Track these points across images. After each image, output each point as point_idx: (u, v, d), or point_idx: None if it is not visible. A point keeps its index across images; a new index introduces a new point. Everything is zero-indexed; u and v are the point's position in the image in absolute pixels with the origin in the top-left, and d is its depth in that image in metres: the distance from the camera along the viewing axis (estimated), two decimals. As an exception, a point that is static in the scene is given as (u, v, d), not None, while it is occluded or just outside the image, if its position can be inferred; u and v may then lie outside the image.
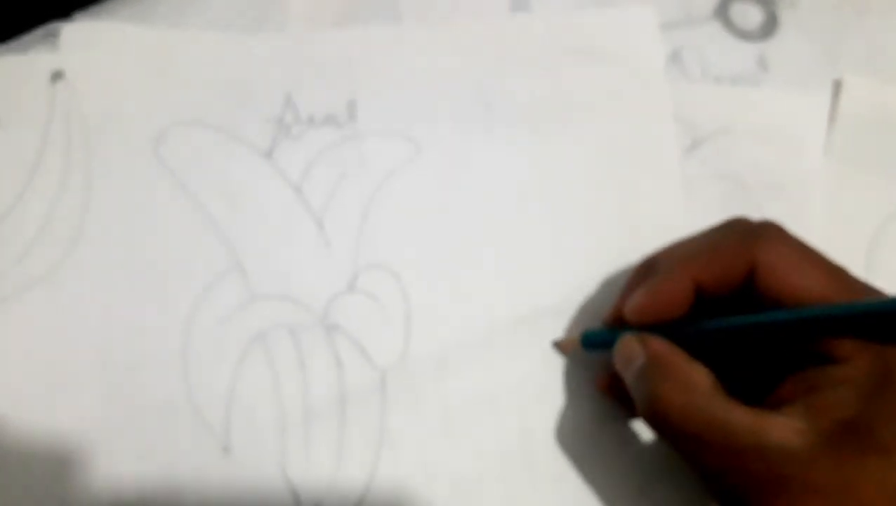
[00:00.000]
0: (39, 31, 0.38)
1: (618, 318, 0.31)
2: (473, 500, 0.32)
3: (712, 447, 0.25)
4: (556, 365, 0.34)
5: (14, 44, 0.38)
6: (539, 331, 0.35)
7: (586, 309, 0.35)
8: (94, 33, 0.38)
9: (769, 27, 0.43)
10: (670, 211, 0.37)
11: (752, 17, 0.43)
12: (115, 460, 0.31)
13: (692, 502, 0.33)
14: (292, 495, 0.32)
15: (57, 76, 0.37)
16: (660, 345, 0.28)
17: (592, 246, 0.36)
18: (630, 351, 0.29)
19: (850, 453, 0.24)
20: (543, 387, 0.34)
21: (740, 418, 0.25)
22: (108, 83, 0.37)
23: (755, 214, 0.37)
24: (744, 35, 0.42)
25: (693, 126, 0.39)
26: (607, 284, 0.35)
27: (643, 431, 0.34)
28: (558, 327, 0.35)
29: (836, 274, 0.26)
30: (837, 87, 0.41)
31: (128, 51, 0.38)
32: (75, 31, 0.38)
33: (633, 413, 0.31)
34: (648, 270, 0.30)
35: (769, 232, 0.27)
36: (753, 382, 0.27)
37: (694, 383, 0.26)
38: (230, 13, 0.39)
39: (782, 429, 0.24)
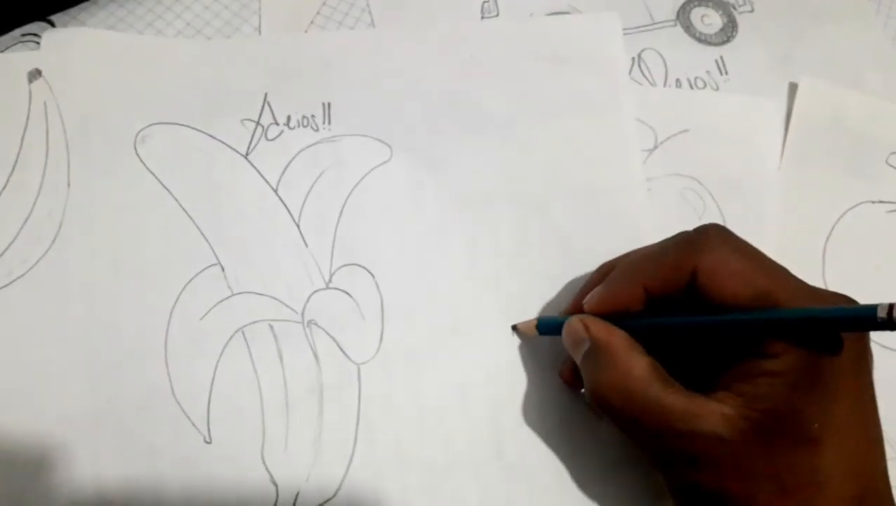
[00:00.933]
0: (17, 32, 0.39)
1: (576, 310, 0.32)
2: (446, 487, 0.33)
3: (649, 430, 0.27)
4: (523, 357, 0.36)
5: (-9, 45, 0.39)
6: (506, 325, 0.36)
7: (551, 304, 0.37)
8: (75, 38, 0.39)
9: (728, 32, 0.44)
10: (633, 210, 0.39)
11: (711, 21, 0.44)
12: (98, 453, 0.32)
13: (656, 484, 0.34)
14: (272, 485, 0.33)
15: (34, 76, 0.38)
16: (602, 329, 0.30)
17: (557, 244, 0.38)
18: (575, 332, 0.30)
19: (778, 441, 0.25)
20: (511, 378, 0.35)
21: (675, 403, 0.27)
22: (87, 83, 0.38)
23: (714, 212, 0.39)
24: (704, 39, 0.44)
25: (655, 128, 0.41)
26: (571, 280, 0.37)
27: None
28: (524, 321, 0.36)
29: (775, 275, 0.27)
30: (793, 89, 0.43)
31: (106, 52, 0.38)
32: (56, 36, 0.39)
33: None
34: (607, 272, 0.32)
35: (710, 238, 0.28)
36: (702, 366, 0.29)
37: (631, 369, 0.28)
38: (206, 16, 0.40)
39: (712, 414, 0.26)
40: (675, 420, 0.26)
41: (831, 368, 0.26)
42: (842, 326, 0.25)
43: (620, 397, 0.28)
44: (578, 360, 0.30)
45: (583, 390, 0.30)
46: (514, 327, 0.36)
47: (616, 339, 0.29)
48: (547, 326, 0.34)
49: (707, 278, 0.27)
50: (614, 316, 0.30)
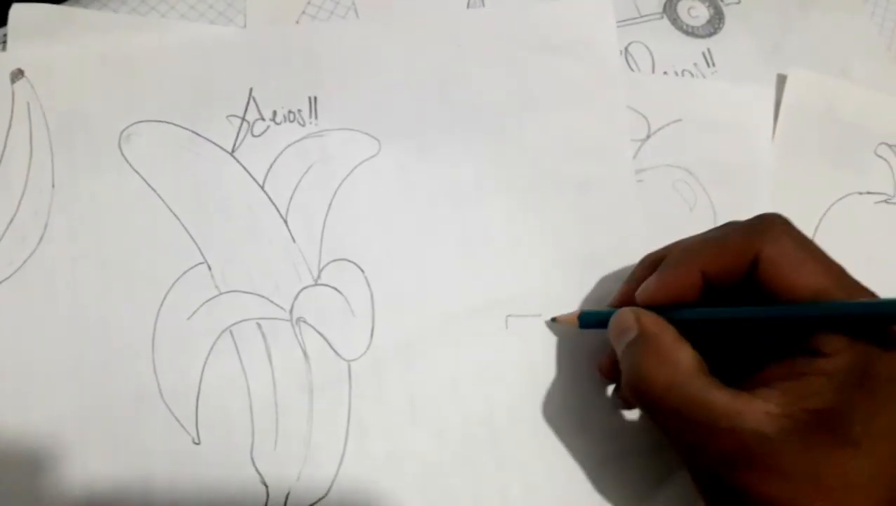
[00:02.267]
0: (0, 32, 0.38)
1: (622, 303, 0.32)
2: (440, 483, 0.33)
3: (689, 424, 0.27)
4: (515, 352, 0.35)
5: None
6: (498, 319, 0.36)
7: (543, 295, 0.36)
8: (46, 15, 0.38)
9: (715, 24, 0.44)
10: (624, 200, 0.39)
11: (698, 14, 0.44)
12: (86, 455, 0.32)
13: (650, 478, 0.34)
14: (263, 486, 0.32)
15: (17, 76, 0.37)
16: (651, 320, 0.29)
17: (548, 235, 0.37)
18: (624, 323, 0.30)
19: (820, 441, 0.25)
20: (504, 372, 0.35)
21: (718, 398, 0.26)
22: (70, 82, 0.37)
23: (705, 203, 0.39)
24: (690, 31, 0.44)
25: (647, 117, 0.41)
26: (564, 272, 0.37)
27: (601, 411, 0.35)
28: (516, 314, 0.36)
29: (833, 271, 0.27)
30: (781, 80, 0.43)
31: (89, 49, 0.38)
32: (23, 12, 0.38)
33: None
34: (657, 261, 0.31)
35: (774, 227, 0.28)
36: (744, 362, 0.29)
37: (678, 362, 0.28)
38: (192, 15, 0.40)
39: (756, 412, 0.26)
40: (718, 416, 0.26)
41: (880, 371, 0.25)
42: None
43: (663, 388, 0.27)
44: (620, 349, 0.30)
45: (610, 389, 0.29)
46: (554, 320, 0.35)
47: (665, 331, 0.29)
48: (590, 319, 0.34)
49: (769, 267, 0.27)
50: (667, 307, 0.30)
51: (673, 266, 0.30)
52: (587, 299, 0.37)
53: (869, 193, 0.42)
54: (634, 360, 0.29)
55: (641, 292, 0.31)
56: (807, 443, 0.25)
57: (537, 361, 0.35)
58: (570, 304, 0.36)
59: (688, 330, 0.29)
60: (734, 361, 0.29)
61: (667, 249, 0.32)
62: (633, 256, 0.34)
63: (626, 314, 0.30)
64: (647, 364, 0.28)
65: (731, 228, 0.30)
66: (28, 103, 0.37)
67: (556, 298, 0.36)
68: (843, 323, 0.26)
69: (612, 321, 0.31)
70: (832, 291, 0.26)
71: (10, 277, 0.34)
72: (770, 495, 0.25)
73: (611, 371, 0.34)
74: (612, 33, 0.41)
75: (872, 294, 0.27)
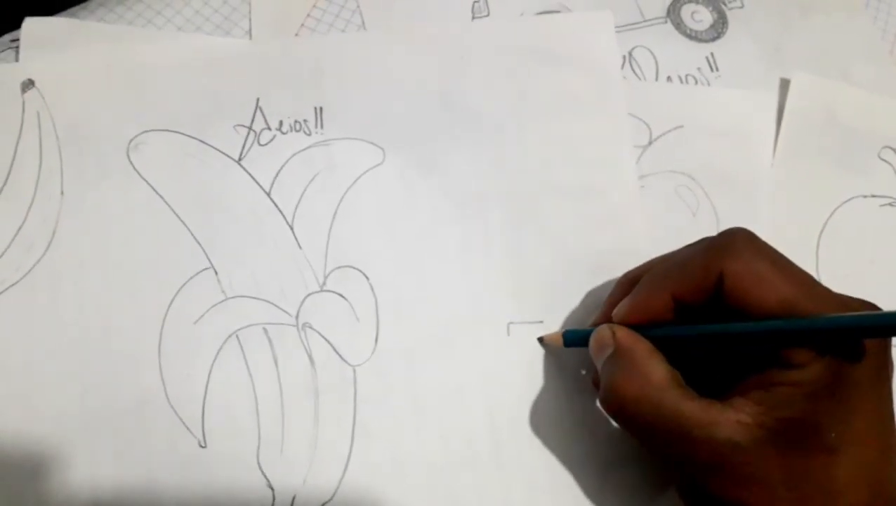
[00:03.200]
0: (6, 38, 0.39)
1: (603, 322, 0.32)
2: (444, 488, 0.33)
3: (663, 435, 0.27)
4: (519, 357, 0.36)
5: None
6: (500, 325, 0.36)
7: (545, 303, 0.37)
8: (56, 28, 0.39)
9: (718, 28, 0.44)
10: (627, 207, 0.39)
11: (701, 18, 0.44)
12: (92, 459, 0.32)
13: (652, 484, 0.34)
14: (269, 489, 0.33)
15: (27, 86, 0.38)
16: (626, 335, 0.30)
17: (551, 243, 0.38)
18: (602, 339, 0.31)
19: (794, 449, 0.25)
20: (508, 378, 0.35)
21: (690, 408, 0.27)
22: (79, 91, 0.38)
23: (707, 208, 0.39)
24: (694, 36, 0.44)
25: (649, 124, 0.41)
26: (566, 279, 0.37)
27: (603, 417, 0.35)
28: (519, 321, 0.36)
29: (801, 283, 0.27)
30: (784, 84, 0.43)
31: (97, 59, 0.39)
32: (35, 26, 0.39)
33: None
34: (634, 280, 0.32)
35: (736, 243, 0.28)
36: (720, 374, 0.29)
37: (650, 374, 0.28)
38: (197, 21, 0.40)
39: (728, 421, 0.26)
40: (691, 426, 0.26)
41: (852, 378, 0.26)
42: (868, 333, 0.25)
43: (634, 400, 0.28)
44: (600, 365, 0.30)
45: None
46: (541, 340, 0.36)
47: (639, 346, 0.29)
48: (574, 338, 0.34)
49: (733, 284, 0.27)
50: (643, 327, 0.30)
51: (644, 290, 0.30)
52: (589, 307, 0.37)
53: (873, 196, 0.42)
54: (608, 374, 0.29)
55: (616, 314, 0.31)
56: (781, 451, 0.25)
57: (539, 368, 0.36)
58: (573, 311, 0.37)
59: (663, 346, 0.29)
60: (711, 374, 0.29)
61: (643, 267, 0.33)
62: (635, 262, 0.34)
63: (604, 330, 0.31)
64: (620, 377, 0.29)
65: (697, 248, 0.30)
66: (38, 113, 0.37)
67: (558, 306, 0.36)
68: (809, 337, 0.26)
69: (592, 338, 0.31)
70: (801, 302, 0.26)
71: (18, 282, 0.35)
72: (747, 500, 0.26)
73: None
74: (614, 45, 0.41)
75: (846, 303, 0.27)
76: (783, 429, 0.25)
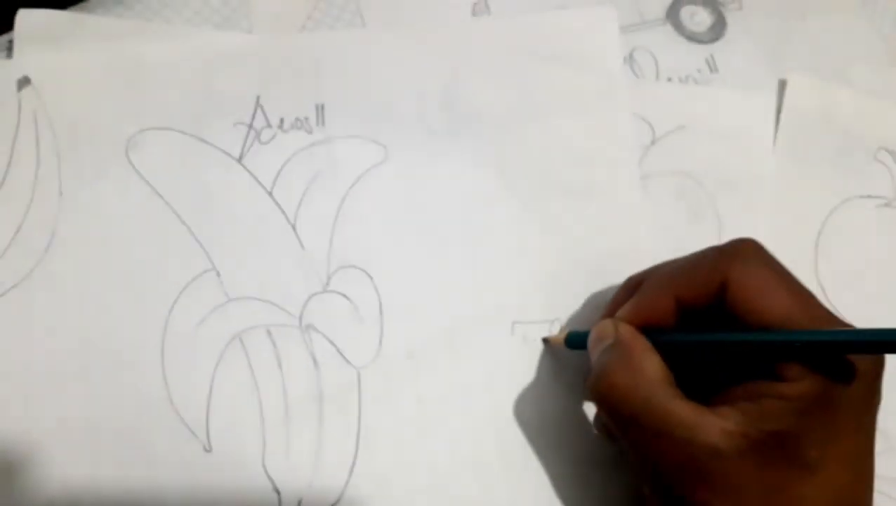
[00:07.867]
0: (4, 38, 0.38)
1: None
2: (450, 490, 0.33)
3: (646, 431, 0.27)
4: (524, 358, 0.36)
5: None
6: (504, 325, 0.36)
7: (550, 302, 0.37)
8: (51, 22, 0.38)
9: (717, 30, 0.44)
10: (630, 206, 0.39)
11: (701, 20, 0.44)
12: (96, 463, 0.32)
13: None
14: (275, 493, 0.32)
15: (23, 83, 0.37)
16: (627, 330, 0.30)
17: (554, 243, 0.38)
18: (604, 331, 0.31)
19: (774, 462, 0.26)
20: (513, 378, 0.35)
21: (678, 408, 0.27)
22: (76, 90, 0.37)
23: (709, 207, 0.40)
24: (693, 37, 0.44)
25: (652, 124, 0.41)
26: (570, 278, 0.37)
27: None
28: (522, 321, 0.36)
29: (801, 298, 0.27)
30: (783, 85, 0.43)
31: (95, 56, 0.38)
32: (29, 18, 0.38)
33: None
34: (635, 286, 0.32)
35: (743, 252, 0.28)
36: (712, 381, 0.29)
37: (643, 369, 0.28)
38: (196, 21, 0.40)
39: (713, 427, 0.26)
40: (675, 426, 0.27)
41: (840, 399, 0.26)
42: (859, 348, 0.25)
43: (623, 392, 0.28)
44: (595, 355, 0.30)
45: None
46: (546, 340, 0.36)
47: (638, 341, 0.29)
48: (576, 341, 0.34)
49: (736, 291, 0.27)
50: (644, 331, 0.30)
51: (648, 293, 0.31)
52: (593, 306, 0.37)
53: (870, 196, 0.42)
54: (602, 364, 0.29)
55: (620, 315, 0.31)
56: (760, 463, 0.26)
57: (545, 368, 0.36)
58: (576, 310, 0.37)
59: (662, 349, 0.29)
60: (704, 379, 0.29)
61: (647, 272, 0.33)
62: (638, 262, 0.34)
63: (607, 323, 0.31)
64: (614, 364, 0.29)
65: (703, 254, 0.30)
66: (35, 111, 0.37)
67: (562, 305, 0.36)
68: (803, 352, 0.26)
69: (594, 330, 0.31)
70: (798, 317, 0.26)
71: (17, 284, 0.34)
72: None
73: None
74: (617, 43, 0.41)
75: (841, 322, 0.27)
76: (765, 441, 0.26)
